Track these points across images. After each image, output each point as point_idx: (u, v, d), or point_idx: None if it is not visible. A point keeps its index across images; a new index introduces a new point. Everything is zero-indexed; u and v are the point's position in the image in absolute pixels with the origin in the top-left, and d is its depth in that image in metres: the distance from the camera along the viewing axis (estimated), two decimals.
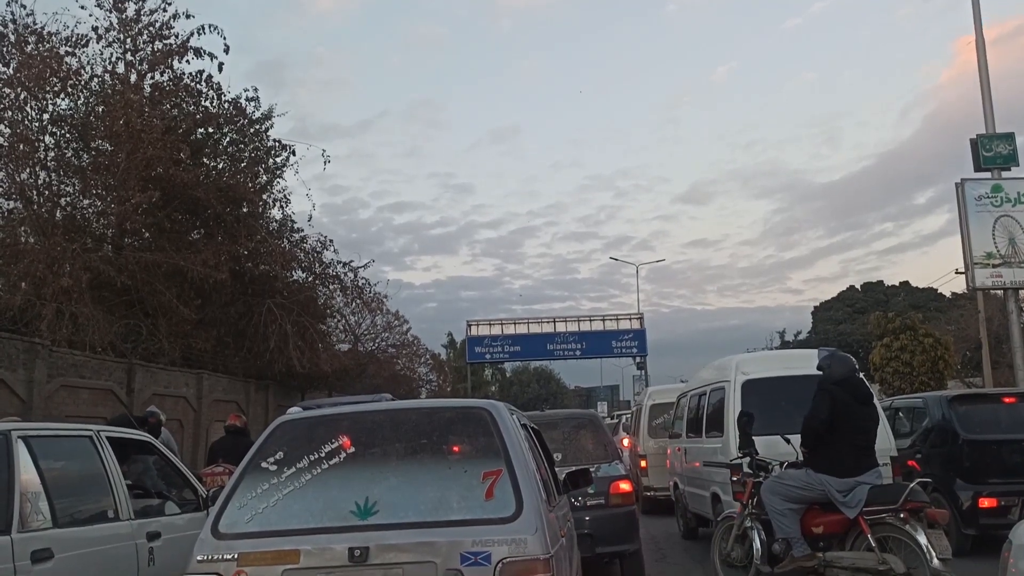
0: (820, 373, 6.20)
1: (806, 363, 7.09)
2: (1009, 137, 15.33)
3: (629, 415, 19.87)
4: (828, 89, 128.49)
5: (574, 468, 5.18)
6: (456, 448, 3.57)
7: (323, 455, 3.48)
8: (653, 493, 12.99)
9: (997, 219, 15.13)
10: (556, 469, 5.05)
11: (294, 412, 3.93)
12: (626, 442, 15.92)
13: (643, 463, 13.52)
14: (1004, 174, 15.34)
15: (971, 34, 15.94)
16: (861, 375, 7.62)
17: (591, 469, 5.51)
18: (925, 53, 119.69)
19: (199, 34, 16.95)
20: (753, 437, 6.66)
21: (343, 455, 3.49)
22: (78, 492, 4.77)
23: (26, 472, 4.18)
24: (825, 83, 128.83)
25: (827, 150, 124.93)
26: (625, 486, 7.45)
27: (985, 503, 7.97)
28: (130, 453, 5.59)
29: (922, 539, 5.43)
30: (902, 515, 5.56)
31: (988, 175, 15.36)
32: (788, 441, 6.54)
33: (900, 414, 10.15)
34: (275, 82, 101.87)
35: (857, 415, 5.97)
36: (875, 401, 6.61)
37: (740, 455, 6.78)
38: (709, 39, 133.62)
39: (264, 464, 3.51)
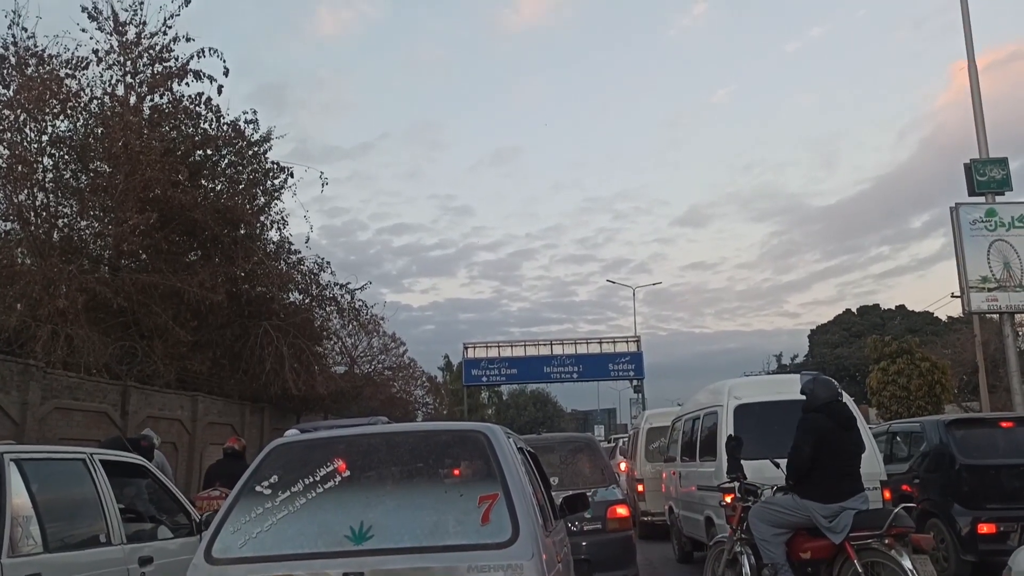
0: (827, 401, 6.17)
1: (799, 388, 7.10)
2: (1002, 162, 15.41)
3: (626, 439, 19.78)
4: (826, 112, 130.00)
5: (571, 492, 5.15)
6: (452, 472, 3.55)
7: (318, 479, 3.45)
8: (650, 518, 12.89)
9: (992, 243, 15.18)
10: (553, 493, 5.02)
11: (291, 435, 3.91)
12: (623, 466, 15.82)
13: (640, 487, 13.43)
14: (998, 199, 15.42)
15: (966, 59, 16.08)
16: (845, 398, 7.66)
17: (588, 493, 5.48)
18: (922, 77, 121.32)
19: (199, 57, 17.09)
20: (744, 461, 6.65)
21: (338, 479, 3.46)
22: (70, 516, 4.72)
23: (17, 496, 4.15)
24: (823, 107, 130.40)
25: (824, 173, 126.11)
26: (622, 511, 7.42)
27: (984, 529, 7.91)
28: (123, 476, 5.54)
29: (907, 564, 5.42)
30: (887, 540, 5.55)
31: (982, 199, 15.43)
32: (777, 465, 6.53)
33: (897, 438, 10.12)
34: (277, 104, 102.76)
35: (841, 441, 5.95)
36: (859, 425, 6.62)
37: (729, 479, 6.77)
38: (709, 63, 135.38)
39: (259, 488, 3.48)
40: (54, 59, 15.26)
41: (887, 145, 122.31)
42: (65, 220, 15.84)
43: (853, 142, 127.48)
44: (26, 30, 15.13)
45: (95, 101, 16.05)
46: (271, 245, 19.44)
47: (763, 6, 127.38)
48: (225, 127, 17.85)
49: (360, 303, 22.30)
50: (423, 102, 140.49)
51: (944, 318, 42.88)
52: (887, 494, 7.64)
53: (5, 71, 14.75)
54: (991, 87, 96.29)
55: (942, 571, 7.69)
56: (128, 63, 16.71)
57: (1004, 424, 9.12)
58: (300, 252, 20.12)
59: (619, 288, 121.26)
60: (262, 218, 19.07)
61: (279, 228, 19.56)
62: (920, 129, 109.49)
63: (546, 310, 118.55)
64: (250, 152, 18.56)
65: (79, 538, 4.64)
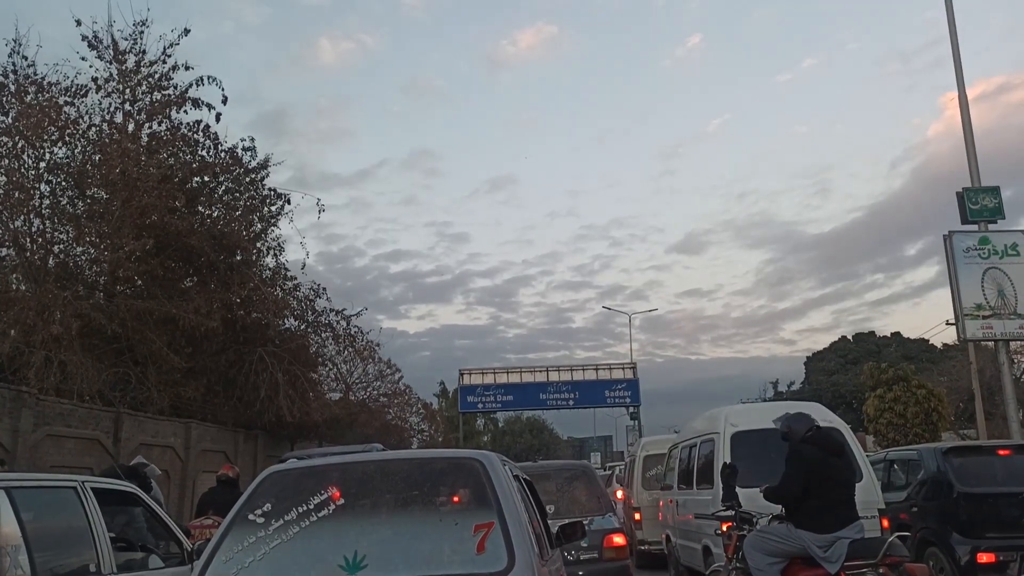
0: (808, 430, 6.16)
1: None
2: (994, 191, 15.52)
3: (622, 466, 19.65)
4: (818, 142, 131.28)
5: (567, 521, 5.11)
6: (447, 500, 3.52)
7: (312, 507, 3.42)
8: (648, 547, 12.77)
9: (985, 271, 15.23)
10: (549, 521, 4.97)
11: (292, 461, 3.89)
12: (620, 494, 15.71)
13: (637, 516, 13.32)
14: (991, 227, 15.50)
15: (956, 91, 16.26)
16: (837, 424, 7.61)
17: (584, 522, 5.43)
18: (913, 108, 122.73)
19: (198, 85, 17.23)
20: (740, 489, 6.62)
21: (332, 507, 3.43)
22: (60, 545, 4.66)
23: (7, 524, 4.10)
24: (816, 136, 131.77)
25: (818, 201, 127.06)
26: (619, 539, 7.36)
27: (983, 558, 7.85)
28: (115, 504, 5.48)
29: None
30: (882, 570, 5.52)
31: (975, 228, 15.52)
32: None
33: (895, 466, 10.08)
34: (276, 132, 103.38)
35: (831, 468, 5.93)
36: (852, 451, 6.57)
37: (723, 507, 6.73)
38: (703, 93, 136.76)
39: (252, 516, 3.45)
40: (53, 87, 15.38)
41: (880, 174, 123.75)
42: (61, 246, 15.82)
43: (846, 171, 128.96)
44: (26, 58, 15.28)
45: (93, 128, 16.13)
46: (267, 271, 19.42)
47: (756, 38, 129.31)
48: (223, 154, 17.94)
49: (356, 329, 22.27)
50: (421, 131, 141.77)
51: (940, 345, 42.91)
52: (885, 523, 7.59)
53: (4, 99, 14.84)
54: (981, 118, 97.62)
55: None
56: (127, 91, 16.83)
57: (1002, 452, 9.09)
58: (296, 278, 20.13)
59: (615, 315, 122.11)
60: (258, 244, 19.08)
61: (275, 254, 19.60)
62: (912, 159, 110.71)
63: (542, 337, 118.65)
64: (247, 179, 18.62)
65: (69, 568, 4.58)
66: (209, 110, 17.35)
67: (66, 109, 15.37)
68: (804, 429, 6.11)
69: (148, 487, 7.92)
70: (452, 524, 3.35)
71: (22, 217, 14.61)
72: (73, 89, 15.74)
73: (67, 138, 15.39)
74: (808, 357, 60.46)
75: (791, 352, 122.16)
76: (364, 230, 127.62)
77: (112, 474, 7.56)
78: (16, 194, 14.13)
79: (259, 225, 19.05)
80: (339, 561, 3.21)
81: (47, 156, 15.23)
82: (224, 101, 17.55)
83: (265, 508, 3.45)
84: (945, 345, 40.38)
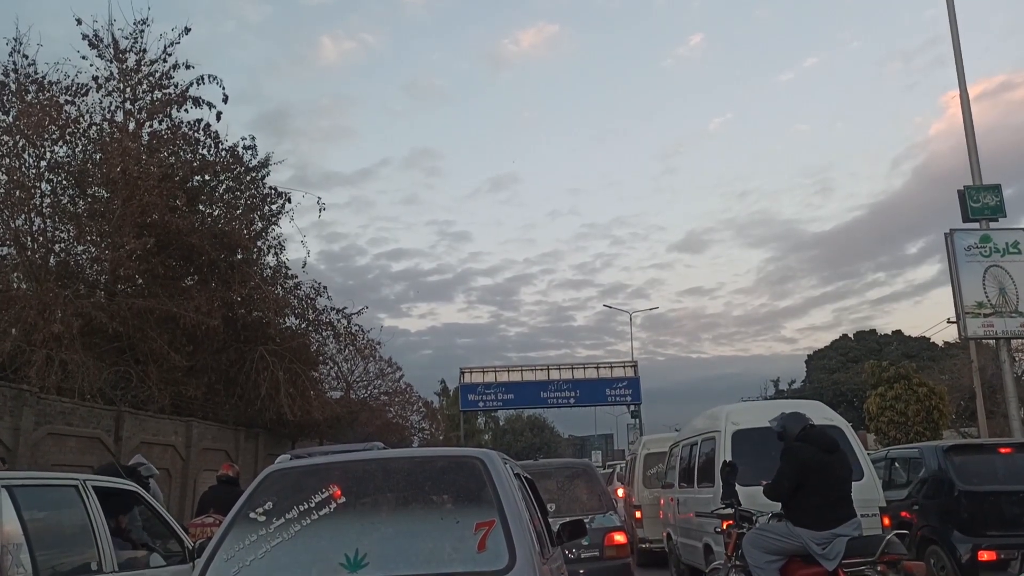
0: (802, 428, 6.18)
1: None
2: (996, 189, 15.51)
3: (623, 465, 19.66)
4: (820, 141, 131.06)
5: (568, 519, 5.11)
6: (448, 498, 3.52)
7: (313, 505, 3.42)
8: (648, 545, 12.77)
9: (987, 269, 15.23)
10: (550, 520, 4.97)
11: (283, 460, 3.88)
12: (621, 492, 15.71)
13: (638, 514, 13.32)
14: (992, 225, 15.50)
15: (957, 89, 16.25)
16: (837, 421, 7.62)
17: (585, 520, 5.43)
18: (915, 106, 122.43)
19: (198, 84, 17.26)
20: (740, 487, 6.63)
21: (333, 505, 3.43)
22: (62, 543, 4.67)
23: (8, 523, 4.10)
24: (817, 135, 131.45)
25: (819, 200, 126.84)
26: (620, 538, 7.36)
27: (984, 556, 7.85)
28: (116, 503, 5.49)
29: None
30: (880, 567, 5.53)
31: (976, 226, 15.52)
32: None
33: (896, 464, 10.08)
34: (277, 131, 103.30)
35: (826, 465, 5.95)
36: (852, 448, 6.57)
37: (723, 505, 6.74)
38: (704, 92, 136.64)
39: (253, 515, 3.44)
40: (54, 86, 15.40)
41: (881, 173, 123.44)
42: (62, 245, 15.85)
43: (847, 170, 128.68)
44: (27, 57, 15.31)
45: (94, 127, 16.15)
46: (268, 270, 19.45)
47: (757, 37, 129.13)
48: (224, 153, 17.98)
49: (356, 328, 22.29)
50: (422, 130, 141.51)
51: (941, 343, 42.87)
52: (886, 521, 7.59)
53: (5, 97, 14.86)
54: (982, 116, 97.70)
55: None
56: (128, 90, 16.86)
57: (1003, 450, 9.09)
58: (297, 277, 20.16)
59: (616, 313, 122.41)
60: (259, 243, 19.11)
61: (276, 253, 19.64)
62: (913, 157, 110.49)
63: (544, 335, 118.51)
64: (248, 178, 18.66)
65: (70, 566, 4.59)
66: (210, 109, 17.41)
67: (67, 108, 15.40)
68: (798, 428, 6.14)
69: (145, 486, 7.92)
70: (453, 522, 3.35)
71: (23, 216, 14.63)
72: (74, 88, 15.77)
73: (68, 137, 15.42)
74: (809, 355, 60.43)
75: (792, 350, 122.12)
76: (365, 229, 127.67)
77: (110, 471, 7.56)
78: (17, 193, 14.16)
79: (260, 224, 19.09)
80: (340, 559, 3.22)
81: (48, 155, 15.27)
82: (225, 100, 17.61)
83: (266, 506, 3.46)
84: (946, 343, 40.34)
